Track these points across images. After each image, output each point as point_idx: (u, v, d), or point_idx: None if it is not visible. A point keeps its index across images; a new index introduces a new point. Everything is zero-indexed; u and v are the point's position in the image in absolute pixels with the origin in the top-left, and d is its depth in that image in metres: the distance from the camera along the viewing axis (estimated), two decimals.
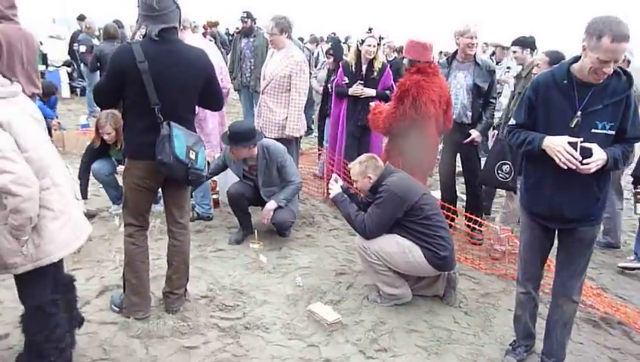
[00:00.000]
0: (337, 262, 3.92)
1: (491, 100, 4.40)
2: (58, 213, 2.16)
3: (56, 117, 7.25)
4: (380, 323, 3.10)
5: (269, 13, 4.69)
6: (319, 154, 6.19)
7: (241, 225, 4.25)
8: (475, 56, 4.33)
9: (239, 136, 3.90)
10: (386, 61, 5.05)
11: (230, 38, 12.90)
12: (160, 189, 2.99)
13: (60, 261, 2.28)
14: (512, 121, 2.58)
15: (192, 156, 2.71)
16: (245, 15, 7.44)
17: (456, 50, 4.39)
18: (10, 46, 4.21)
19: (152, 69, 2.58)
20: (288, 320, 3.06)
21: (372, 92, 4.80)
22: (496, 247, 4.18)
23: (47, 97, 6.88)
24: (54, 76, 10.22)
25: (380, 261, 3.19)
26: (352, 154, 4.82)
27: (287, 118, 4.54)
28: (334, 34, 14.74)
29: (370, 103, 4.41)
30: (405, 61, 3.95)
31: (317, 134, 6.94)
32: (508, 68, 6.49)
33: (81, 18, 10.08)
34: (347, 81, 4.87)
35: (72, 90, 10.95)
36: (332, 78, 5.62)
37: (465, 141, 4.33)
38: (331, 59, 5.71)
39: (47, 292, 2.23)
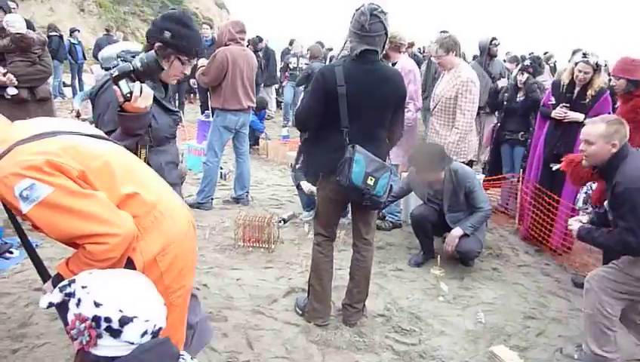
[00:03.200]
0: (526, 303, 3.54)
1: None
2: None
3: (264, 128, 8.11)
4: None
5: (467, 33, 4.52)
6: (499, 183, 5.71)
7: (422, 248, 4.15)
8: None
9: (427, 160, 3.81)
10: (605, 87, 4.41)
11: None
12: (350, 204, 3.09)
13: None
14: None
15: (370, 182, 2.72)
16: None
17: None
18: (235, 64, 4.86)
19: (350, 91, 2.68)
20: (467, 358, 2.86)
21: (579, 116, 4.24)
22: None
23: (259, 110, 7.74)
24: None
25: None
26: (545, 185, 4.36)
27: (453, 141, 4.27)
28: (532, 53, 13.65)
29: (553, 166, 3.97)
30: (622, 82, 3.43)
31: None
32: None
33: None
34: (554, 102, 4.39)
35: (278, 104, 12.18)
36: (515, 96, 5.27)
37: None
38: (525, 77, 5.25)
39: None
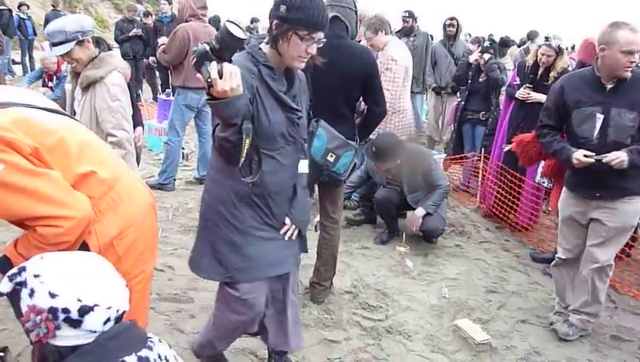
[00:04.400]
0: (488, 278, 3.66)
1: None
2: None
3: None
4: (534, 353, 2.81)
5: (431, 11, 4.47)
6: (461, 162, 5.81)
7: (387, 227, 4.20)
8: None
9: (385, 153, 3.80)
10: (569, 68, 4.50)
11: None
12: (316, 184, 3.07)
13: None
14: None
15: (331, 159, 2.70)
16: (407, 14, 7.35)
17: None
18: (197, 41, 4.70)
19: (314, 65, 2.65)
20: (432, 331, 2.93)
21: (542, 97, 4.35)
22: None
23: None
24: None
25: None
26: (510, 164, 4.46)
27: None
28: (492, 35, 13.94)
29: (504, 147, 4.05)
30: (577, 62, 3.55)
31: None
32: None
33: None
34: (518, 82, 4.48)
35: None
36: (477, 76, 5.39)
37: None
38: (487, 57, 5.32)
39: None
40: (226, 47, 1.57)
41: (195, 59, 1.58)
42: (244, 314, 2.05)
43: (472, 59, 5.64)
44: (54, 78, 6.39)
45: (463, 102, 5.66)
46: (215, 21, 9.94)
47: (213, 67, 1.56)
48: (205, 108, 5.05)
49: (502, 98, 5.24)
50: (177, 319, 2.85)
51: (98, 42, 2.78)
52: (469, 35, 10.78)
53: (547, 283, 3.63)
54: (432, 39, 7.87)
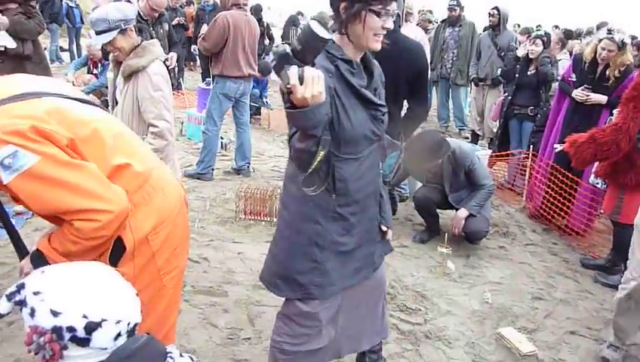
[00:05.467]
0: (534, 284, 3.46)
1: None
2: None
3: (266, 97, 7.90)
4: None
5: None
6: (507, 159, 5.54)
7: (428, 226, 4.05)
8: None
9: (425, 151, 3.57)
10: (632, 65, 4.12)
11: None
12: None
13: None
14: None
15: None
16: (455, 3, 7.09)
17: None
18: (236, 29, 4.66)
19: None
20: (473, 339, 2.79)
21: (602, 98, 4.00)
22: None
23: (264, 76, 7.48)
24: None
25: None
26: (563, 164, 4.21)
27: None
28: (539, 26, 13.40)
29: (556, 148, 3.78)
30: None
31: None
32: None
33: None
34: (574, 79, 4.16)
35: None
36: (526, 69, 5.09)
37: None
38: (539, 48, 5.02)
39: None
40: (309, 48, 1.39)
41: (274, 62, 1.40)
42: (308, 326, 1.93)
43: (520, 52, 5.37)
44: (99, 65, 6.49)
45: (509, 97, 5.39)
46: (256, 10, 9.88)
47: (293, 72, 1.37)
48: (243, 98, 5.00)
49: (553, 93, 4.95)
50: (211, 313, 2.81)
51: (141, 31, 2.75)
52: (518, 25, 10.34)
53: (598, 291, 3.41)
54: (482, 30, 7.59)
